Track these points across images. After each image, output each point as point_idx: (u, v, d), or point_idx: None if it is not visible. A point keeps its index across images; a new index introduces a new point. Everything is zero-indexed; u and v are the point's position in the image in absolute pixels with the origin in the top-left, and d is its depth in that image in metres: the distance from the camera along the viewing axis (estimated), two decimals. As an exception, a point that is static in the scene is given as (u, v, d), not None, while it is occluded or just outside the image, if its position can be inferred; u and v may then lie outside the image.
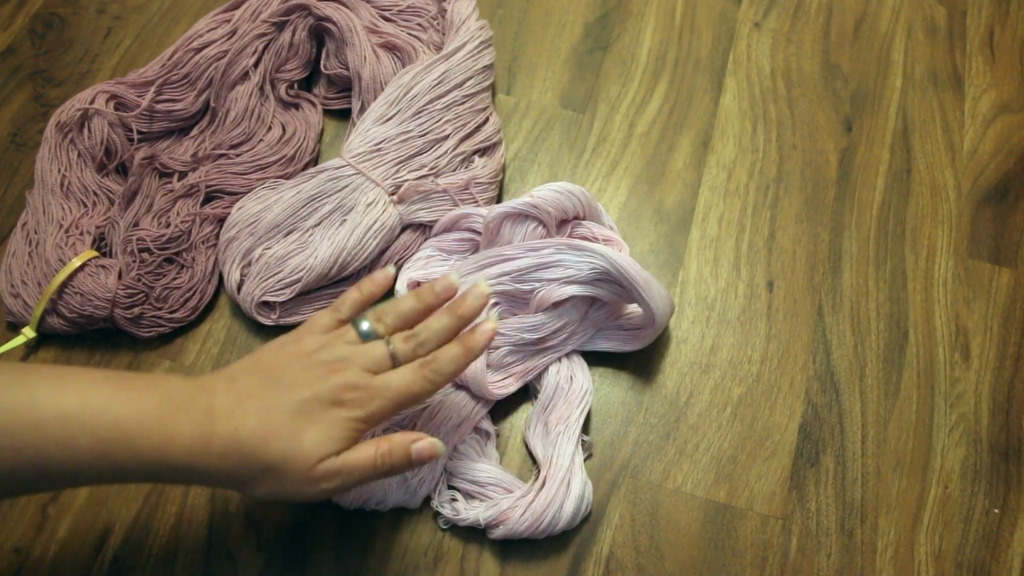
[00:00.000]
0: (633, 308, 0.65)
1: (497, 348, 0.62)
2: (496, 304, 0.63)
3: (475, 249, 0.67)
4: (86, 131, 0.70)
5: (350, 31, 0.73)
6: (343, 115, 0.76)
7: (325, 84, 0.76)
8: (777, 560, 0.59)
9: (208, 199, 0.69)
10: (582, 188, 0.64)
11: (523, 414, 0.64)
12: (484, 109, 0.72)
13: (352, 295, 0.54)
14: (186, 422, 0.47)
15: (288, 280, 0.64)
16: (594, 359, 0.65)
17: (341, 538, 0.59)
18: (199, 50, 0.73)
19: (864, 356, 0.67)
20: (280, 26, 0.74)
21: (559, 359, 0.63)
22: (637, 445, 0.63)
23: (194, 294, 0.66)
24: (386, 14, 0.77)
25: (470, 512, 0.58)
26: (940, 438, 0.64)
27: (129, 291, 0.64)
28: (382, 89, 0.71)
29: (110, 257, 0.66)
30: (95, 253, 0.65)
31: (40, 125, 0.75)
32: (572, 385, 0.62)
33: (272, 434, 0.48)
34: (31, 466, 0.44)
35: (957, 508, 0.61)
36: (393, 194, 0.67)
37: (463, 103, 0.70)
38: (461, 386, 0.61)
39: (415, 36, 0.76)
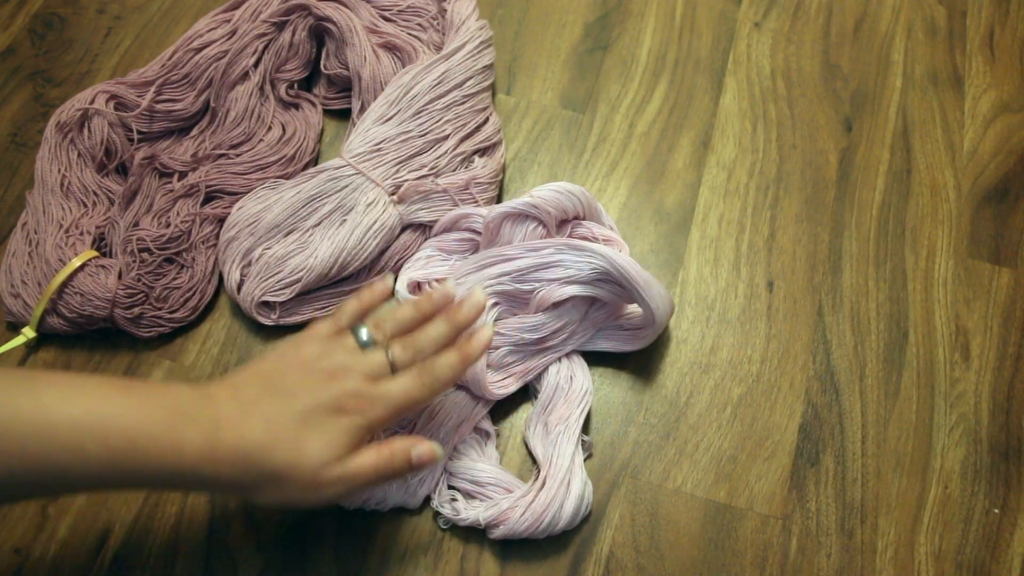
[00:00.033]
0: (633, 308, 0.65)
1: (497, 348, 0.62)
2: (496, 304, 0.63)
3: (475, 249, 0.66)
4: (86, 131, 0.70)
5: (350, 31, 0.73)
6: (343, 115, 0.76)
7: (325, 84, 0.76)
8: (777, 560, 0.59)
9: (208, 199, 0.69)
10: (582, 188, 0.64)
11: (523, 414, 0.64)
12: (484, 109, 0.72)
13: (351, 305, 0.55)
14: (193, 431, 0.47)
15: (288, 280, 0.64)
16: (594, 359, 0.65)
17: (341, 538, 0.59)
18: (199, 50, 0.73)
19: (864, 356, 0.67)
20: (280, 26, 0.74)
21: (559, 359, 0.63)
22: (637, 445, 0.63)
23: (194, 294, 0.66)
24: (386, 14, 0.77)
25: (470, 512, 0.58)
26: (940, 438, 0.64)
27: (129, 291, 0.64)
28: (382, 89, 0.71)
29: (110, 257, 0.66)
30: (95, 253, 0.65)
31: (40, 125, 0.75)
32: (572, 385, 0.62)
33: (277, 442, 0.49)
34: (38, 472, 0.45)
35: (957, 508, 0.61)
36: (393, 194, 0.67)
37: (463, 103, 0.70)
38: (461, 386, 0.61)
39: (415, 36, 0.76)
